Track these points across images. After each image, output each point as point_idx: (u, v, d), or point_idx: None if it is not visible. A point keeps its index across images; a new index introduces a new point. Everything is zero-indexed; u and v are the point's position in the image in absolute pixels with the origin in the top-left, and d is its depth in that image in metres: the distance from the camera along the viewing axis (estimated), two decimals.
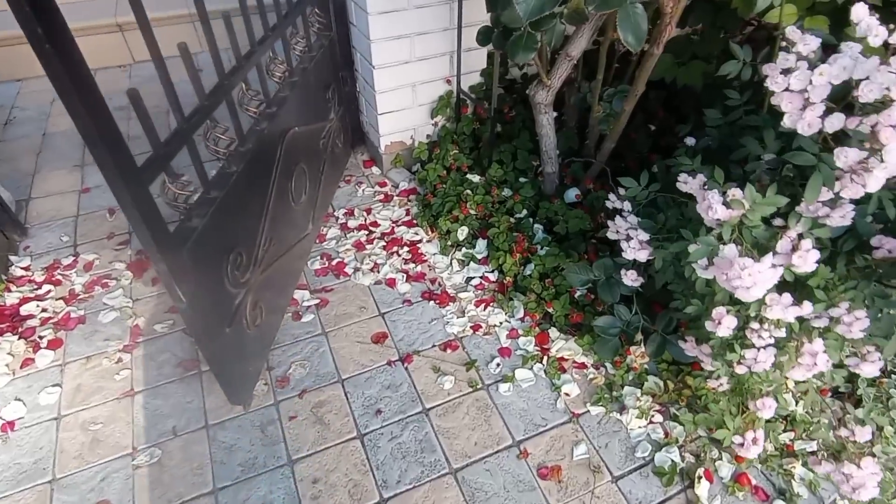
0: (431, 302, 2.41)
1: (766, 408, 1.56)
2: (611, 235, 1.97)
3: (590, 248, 2.33)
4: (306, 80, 2.39)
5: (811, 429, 1.86)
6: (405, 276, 2.52)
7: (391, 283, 2.49)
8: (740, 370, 1.55)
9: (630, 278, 1.87)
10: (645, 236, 1.70)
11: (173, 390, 2.16)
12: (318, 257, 2.62)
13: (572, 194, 2.54)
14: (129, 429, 2.04)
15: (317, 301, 2.42)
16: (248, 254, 1.91)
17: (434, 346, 2.27)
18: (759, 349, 1.49)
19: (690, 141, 2.11)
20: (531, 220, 2.55)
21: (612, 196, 2.07)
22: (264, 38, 2.02)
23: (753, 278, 1.27)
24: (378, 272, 2.54)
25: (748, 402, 1.64)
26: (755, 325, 1.45)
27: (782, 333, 1.44)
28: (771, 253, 1.28)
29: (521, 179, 2.71)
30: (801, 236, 1.39)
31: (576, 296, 2.23)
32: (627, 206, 1.89)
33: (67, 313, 2.41)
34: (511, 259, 2.34)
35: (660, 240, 1.73)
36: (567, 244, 2.37)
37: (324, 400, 2.10)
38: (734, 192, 1.45)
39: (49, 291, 2.50)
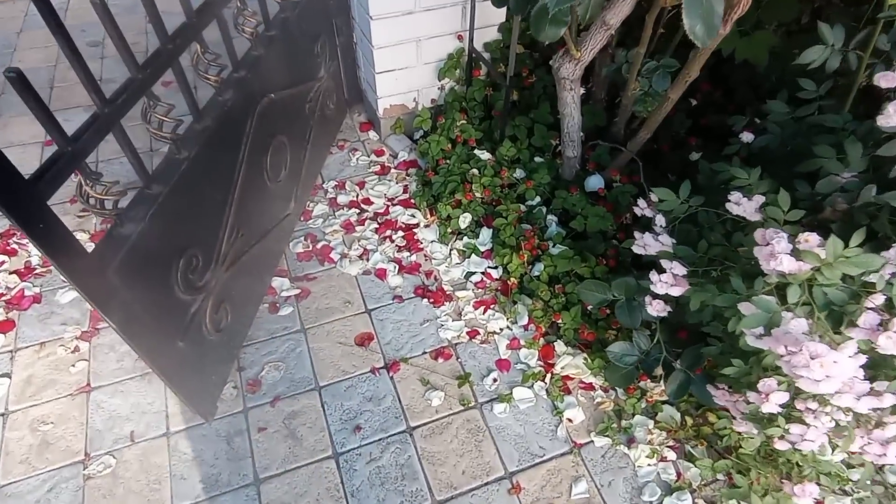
0: (425, 300, 2.12)
1: (805, 495, 1.28)
2: (636, 250, 1.63)
3: (609, 251, 2.00)
4: (287, 33, 1.98)
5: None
6: (398, 266, 2.21)
7: (381, 273, 2.19)
8: (781, 446, 1.26)
9: (656, 308, 1.54)
10: (681, 270, 1.37)
11: (134, 388, 1.91)
12: (302, 238, 2.30)
13: (594, 183, 2.18)
14: (82, 431, 1.82)
15: (297, 291, 2.13)
16: (205, 253, 1.60)
17: (424, 352, 1.99)
18: (809, 426, 1.19)
19: (747, 137, 1.72)
20: (544, 209, 2.20)
21: (641, 202, 1.71)
22: None
23: (826, 370, 0.95)
24: (367, 260, 2.23)
25: (782, 479, 1.37)
26: (812, 405, 1.14)
27: (847, 417, 1.13)
28: (853, 339, 0.95)
29: (537, 159, 2.33)
30: (892, 304, 1.05)
31: (589, 308, 1.92)
32: (660, 220, 1.54)
33: (21, 290, 2.14)
34: (518, 259, 2.02)
35: (699, 273, 1.39)
36: (584, 243, 2.04)
37: (298, 410, 1.85)
38: (807, 238, 1.10)
39: (2, 263, 2.23)
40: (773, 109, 1.65)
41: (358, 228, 2.33)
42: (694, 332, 1.69)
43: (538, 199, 2.25)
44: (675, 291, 1.38)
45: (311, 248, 2.26)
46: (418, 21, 2.28)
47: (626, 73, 2.03)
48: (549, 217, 2.18)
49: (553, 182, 2.24)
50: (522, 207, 2.21)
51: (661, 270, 1.44)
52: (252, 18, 1.78)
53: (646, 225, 1.82)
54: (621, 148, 2.09)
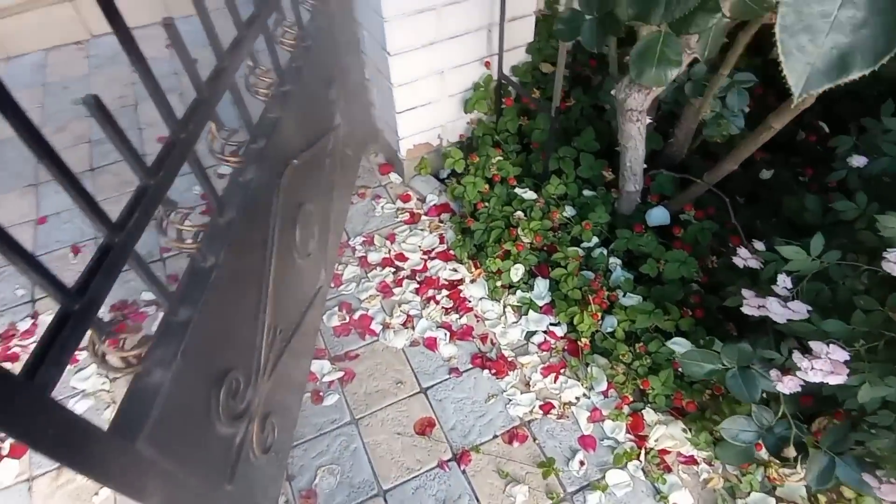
0: (485, 371, 1.85)
1: None
2: (747, 311, 1.38)
3: (692, 299, 1.74)
4: (303, 84, 1.70)
5: None
6: (448, 333, 1.93)
7: (431, 343, 1.92)
8: None
9: (788, 386, 1.29)
10: (842, 355, 1.11)
11: None
12: (337, 309, 2.02)
13: (658, 217, 1.92)
14: None
15: (340, 374, 1.85)
16: (245, 370, 1.32)
17: (496, 436, 1.72)
18: None
19: (859, 161, 1.46)
20: (605, 251, 1.94)
21: (742, 251, 1.46)
22: (236, 42, 1.33)
23: None
24: (413, 328, 1.96)
25: None
26: None
27: None
28: None
29: (587, 193, 2.07)
30: None
31: (680, 369, 1.67)
32: (785, 281, 1.29)
33: None
34: (589, 318, 1.76)
35: (859, 355, 1.13)
36: (659, 291, 1.78)
37: None
38: None
39: None
40: (891, 127, 1.40)
41: (396, 291, 2.05)
42: (821, 399, 1.45)
43: (596, 239, 1.98)
44: (835, 380, 1.12)
45: (347, 320, 1.98)
46: (441, 51, 2.00)
47: (689, 91, 1.77)
48: (612, 260, 1.92)
49: (611, 218, 1.98)
50: (580, 252, 1.95)
51: (805, 349, 1.18)
52: (265, 77, 1.50)
53: (748, 276, 1.57)
54: (692, 179, 1.83)
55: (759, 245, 1.43)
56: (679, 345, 1.70)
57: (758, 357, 1.42)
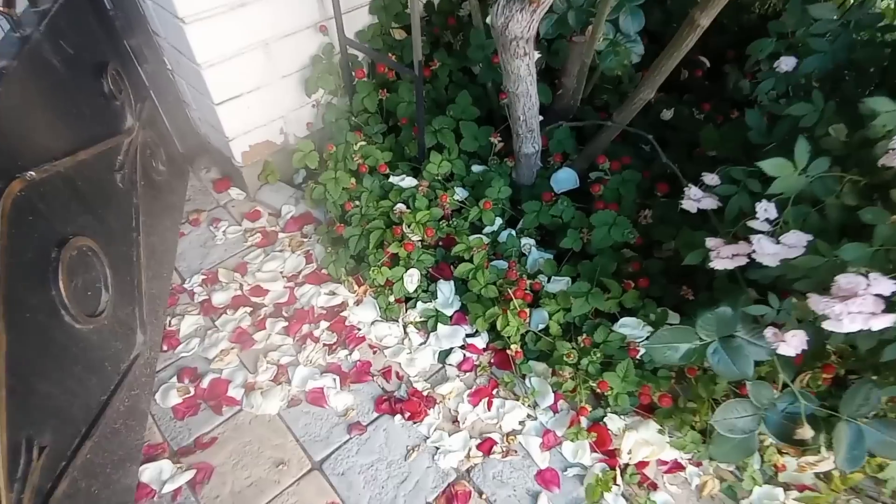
0: (397, 417, 1.34)
1: None
2: (722, 265, 1.02)
3: (631, 268, 1.38)
4: (35, 61, 1.10)
5: None
6: (337, 378, 1.40)
7: (317, 397, 1.37)
8: None
9: (793, 344, 0.95)
10: (887, 286, 0.76)
11: None
12: (174, 379, 1.41)
13: (565, 180, 1.54)
14: None
15: (191, 475, 1.24)
16: None
17: (429, 503, 1.23)
18: None
19: (788, 64, 1.17)
20: (512, 232, 1.53)
21: (692, 191, 1.11)
22: None
23: None
24: (288, 381, 1.40)
25: None
26: None
27: None
28: None
29: (476, 169, 1.65)
30: None
31: (639, 356, 1.29)
32: (770, 211, 0.94)
33: None
34: (515, 319, 1.32)
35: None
36: (589, 266, 1.40)
37: None
38: None
39: None
40: (819, 15, 1.12)
41: (258, 336, 1.48)
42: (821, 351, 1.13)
43: (500, 221, 1.57)
44: (880, 323, 0.78)
45: (193, 392, 1.37)
46: (258, 12, 1.47)
47: (574, 22, 1.41)
48: (525, 241, 1.52)
49: (511, 191, 1.58)
50: (485, 239, 1.52)
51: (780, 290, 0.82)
52: None
53: (692, 224, 1.23)
54: (601, 122, 1.47)
55: (710, 179, 1.09)
56: (629, 326, 1.32)
57: (740, 321, 1.06)
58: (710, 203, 1.09)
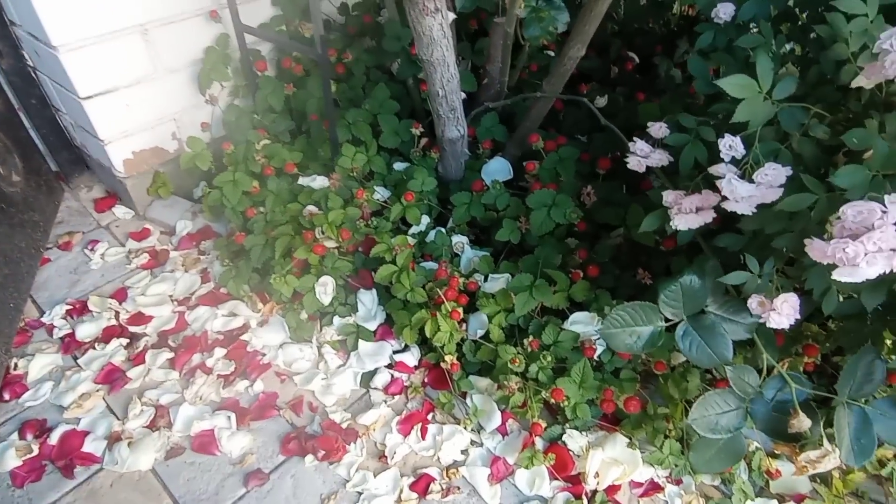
0: (308, 458, 1.05)
1: None
2: (683, 223, 0.84)
3: (577, 256, 1.18)
4: None
5: None
6: (232, 415, 1.10)
7: (205, 442, 1.06)
8: None
9: (784, 313, 0.75)
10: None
11: None
12: (15, 436, 1.06)
13: (498, 170, 1.35)
14: None
15: None
16: None
17: None
18: None
19: (726, 11, 1.03)
20: (442, 231, 1.32)
21: (638, 145, 0.93)
22: None
23: None
24: (168, 426, 1.09)
25: None
26: None
27: None
28: None
29: (398, 166, 1.44)
30: None
31: (596, 355, 1.07)
32: (737, 147, 0.76)
33: None
34: (443, 322, 1.08)
35: None
36: (530, 260, 1.19)
37: None
38: None
39: None
40: None
41: (133, 374, 1.16)
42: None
43: (427, 219, 1.35)
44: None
45: (37, 452, 1.03)
46: None
47: None
48: (456, 240, 1.30)
49: (438, 189, 1.38)
50: (410, 239, 1.29)
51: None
52: None
53: (644, 199, 1.04)
54: (531, 95, 1.29)
55: (657, 129, 0.91)
56: (582, 322, 1.10)
57: (710, 293, 0.86)
58: (659, 158, 0.91)
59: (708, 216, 0.86)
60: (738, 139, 0.76)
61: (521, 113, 1.50)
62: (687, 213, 0.87)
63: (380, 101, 1.48)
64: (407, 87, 1.58)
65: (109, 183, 1.56)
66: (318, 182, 1.38)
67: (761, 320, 0.79)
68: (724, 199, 0.79)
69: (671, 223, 0.89)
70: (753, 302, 0.79)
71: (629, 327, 0.85)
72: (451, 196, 1.32)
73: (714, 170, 0.78)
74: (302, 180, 1.40)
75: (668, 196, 0.89)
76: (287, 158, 1.42)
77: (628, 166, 0.94)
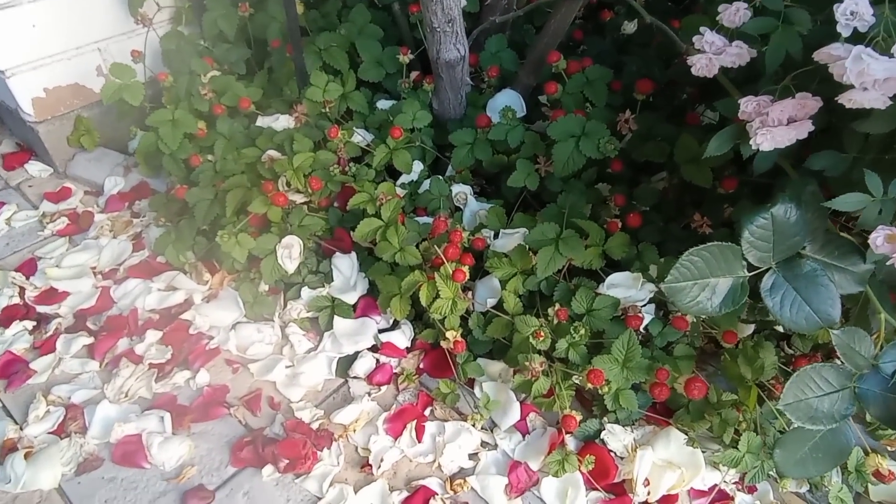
0: (267, 469, 0.86)
1: None
2: (780, 137, 0.66)
3: (613, 202, 0.99)
4: None
5: None
6: (166, 415, 0.91)
7: (131, 451, 0.86)
8: None
9: None
10: None
11: None
12: None
13: (505, 104, 1.17)
14: None
15: None
16: None
17: None
18: None
19: None
20: (439, 179, 1.13)
21: (707, 35, 0.75)
22: None
23: None
24: (82, 431, 0.90)
25: None
26: None
27: None
28: None
29: (384, 104, 1.26)
30: None
31: (643, 326, 0.89)
32: (860, 5, 0.58)
33: None
34: (444, 287, 0.90)
35: None
36: (553, 210, 1.01)
37: None
38: None
39: None
40: None
41: (38, 365, 0.97)
42: None
43: (419, 166, 1.16)
44: None
45: None
46: None
47: None
48: (457, 189, 1.11)
49: (433, 129, 1.19)
50: (398, 190, 1.11)
51: None
52: None
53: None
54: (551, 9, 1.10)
55: (733, 14, 0.73)
56: (623, 285, 0.91)
57: (810, 229, 0.69)
58: (738, 53, 0.73)
59: (803, 129, 0.69)
60: (863, 1, 0.59)
61: (531, 42, 1.32)
62: (775, 127, 0.69)
63: (359, 25, 1.29)
64: (392, 14, 1.38)
65: (20, 133, 1.36)
66: (282, 122, 1.19)
67: (889, 262, 0.62)
68: (825, 105, 0.61)
69: (751, 142, 0.71)
70: (879, 236, 0.62)
71: (702, 280, 0.68)
72: (451, 134, 1.13)
73: (827, 51, 0.60)
74: (261, 121, 1.21)
75: (748, 105, 0.71)
76: (242, 94, 1.22)
77: (693, 71, 0.76)
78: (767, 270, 0.69)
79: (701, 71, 0.75)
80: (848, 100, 0.59)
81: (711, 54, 0.73)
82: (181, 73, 1.24)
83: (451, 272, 0.89)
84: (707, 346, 1.00)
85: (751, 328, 0.95)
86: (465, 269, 0.89)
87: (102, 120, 1.34)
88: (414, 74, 1.27)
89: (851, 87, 0.60)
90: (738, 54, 0.73)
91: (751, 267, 0.70)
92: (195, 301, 1.08)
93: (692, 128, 1.04)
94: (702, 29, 0.74)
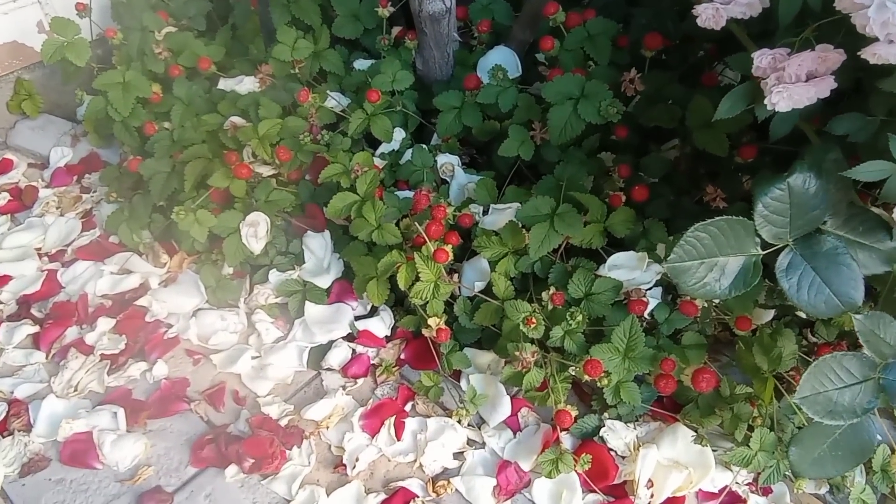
0: (230, 469, 0.86)
1: None
2: (798, 96, 0.65)
3: (616, 173, 0.99)
4: None
5: None
6: (119, 411, 0.91)
7: (80, 450, 0.87)
8: None
9: None
10: None
11: None
12: None
13: (499, 61, 1.16)
14: None
15: None
16: None
17: None
18: None
19: None
20: (423, 148, 1.13)
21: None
22: None
23: None
24: (27, 429, 0.91)
25: None
26: None
27: None
28: None
29: (360, 64, 1.24)
30: None
31: (648, 312, 0.89)
32: None
33: None
34: (425, 268, 0.90)
35: None
36: (549, 181, 1.00)
37: None
38: None
39: None
40: None
41: None
42: None
43: (401, 133, 1.16)
44: None
45: None
46: None
47: None
48: (443, 159, 1.11)
49: (417, 91, 1.18)
50: (377, 160, 1.11)
51: None
52: None
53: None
54: None
55: None
56: (626, 266, 0.92)
57: (833, 201, 0.68)
58: (746, 5, 0.71)
59: (825, 86, 0.68)
60: None
61: None
62: (793, 84, 0.68)
63: None
64: None
65: None
66: (246, 85, 1.19)
67: None
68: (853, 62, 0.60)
69: (766, 101, 0.70)
70: None
71: (710, 258, 0.67)
72: (435, 98, 1.12)
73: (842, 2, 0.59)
74: (223, 83, 1.21)
75: (762, 59, 0.70)
76: (202, 53, 1.21)
77: (699, 22, 0.75)
78: (783, 248, 0.69)
79: (707, 22, 0.74)
80: (872, 54, 0.59)
81: (719, 4, 0.72)
82: (132, 30, 1.22)
83: (433, 252, 0.89)
84: (721, 335, 1.00)
85: (770, 314, 0.95)
86: (449, 248, 0.89)
87: (46, 83, 1.34)
88: (396, 30, 1.26)
89: (876, 39, 0.60)
90: (748, 4, 0.71)
91: (765, 244, 0.69)
92: (152, 285, 1.09)
93: (708, 89, 1.03)
94: None
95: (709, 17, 0.75)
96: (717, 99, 0.97)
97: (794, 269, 0.69)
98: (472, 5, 1.22)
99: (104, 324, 1.02)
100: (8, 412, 0.92)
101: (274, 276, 1.06)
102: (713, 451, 0.89)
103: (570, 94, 0.96)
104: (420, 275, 0.89)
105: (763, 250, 0.69)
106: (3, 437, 0.89)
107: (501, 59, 1.18)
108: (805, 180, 0.66)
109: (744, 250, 0.68)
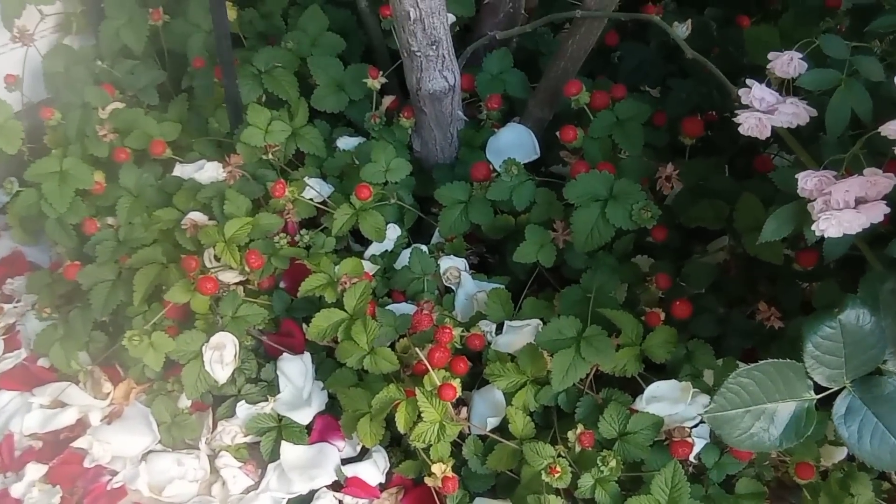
0: None
1: None
2: (846, 222, 0.80)
3: (653, 282, 1.14)
4: None
5: None
6: None
7: None
8: None
9: None
10: None
11: None
12: None
13: (513, 145, 1.32)
14: None
15: None
16: None
17: None
18: None
19: None
20: (422, 249, 1.28)
21: (756, 89, 0.90)
22: None
23: None
24: None
25: None
26: None
27: None
28: None
29: (345, 143, 1.41)
30: None
31: (693, 455, 1.02)
32: None
33: None
34: (427, 406, 1.03)
35: None
36: (573, 292, 1.15)
37: None
38: None
39: None
40: None
41: None
42: None
43: (396, 230, 1.31)
44: None
45: None
46: None
47: None
48: (446, 263, 1.26)
49: (414, 176, 1.35)
50: (368, 266, 1.25)
51: None
52: None
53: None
54: (576, 15, 1.25)
55: (786, 64, 0.88)
56: (667, 398, 1.06)
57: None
58: (794, 113, 0.88)
59: (876, 212, 0.83)
60: None
61: (548, 51, 1.49)
62: (840, 210, 0.84)
63: (312, 34, 1.48)
64: (358, 13, 1.56)
65: None
66: (208, 172, 1.36)
67: None
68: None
69: (812, 227, 0.86)
70: None
71: (756, 406, 0.81)
72: (437, 190, 1.29)
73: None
74: (180, 169, 1.39)
75: (807, 181, 0.85)
76: (154, 134, 1.39)
77: (740, 129, 0.91)
78: (840, 391, 0.83)
79: (751, 131, 0.90)
80: None
81: (761, 113, 0.88)
82: (72, 107, 1.40)
83: (438, 386, 1.03)
84: (784, 476, 1.13)
85: (842, 451, 1.08)
86: (457, 382, 1.03)
87: None
88: (388, 100, 1.44)
89: None
90: (794, 113, 0.88)
91: (818, 388, 0.83)
92: (92, 422, 1.22)
93: (760, 178, 1.19)
94: (748, 81, 0.90)
95: (751, 126, 0.91)
96: (770, 193, 1.14)
97: (853, 416, 0.82)
98: (480, 76, 1.41)
99: (34, 471, 1.16)
100: None
101: (242, 409, 1.19)
102: None
103: (597, 195, 1.13)
104: (423, 414, 1.03)
105: (817, 394, 0.83)
106: None
107: (515, 138, 1.37)
108: (858, 316, 0.80)
109: (795, 395, 0.82)
